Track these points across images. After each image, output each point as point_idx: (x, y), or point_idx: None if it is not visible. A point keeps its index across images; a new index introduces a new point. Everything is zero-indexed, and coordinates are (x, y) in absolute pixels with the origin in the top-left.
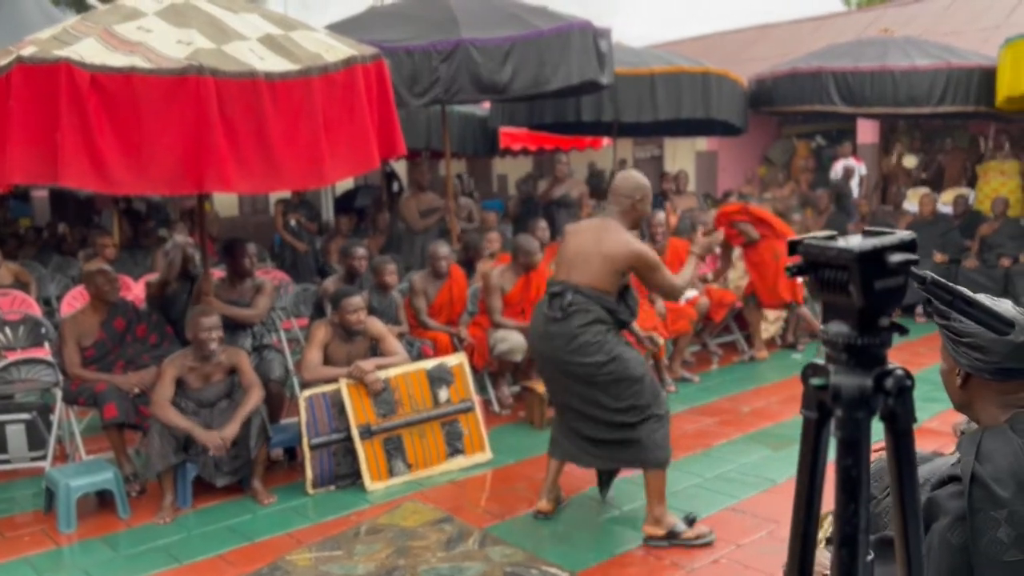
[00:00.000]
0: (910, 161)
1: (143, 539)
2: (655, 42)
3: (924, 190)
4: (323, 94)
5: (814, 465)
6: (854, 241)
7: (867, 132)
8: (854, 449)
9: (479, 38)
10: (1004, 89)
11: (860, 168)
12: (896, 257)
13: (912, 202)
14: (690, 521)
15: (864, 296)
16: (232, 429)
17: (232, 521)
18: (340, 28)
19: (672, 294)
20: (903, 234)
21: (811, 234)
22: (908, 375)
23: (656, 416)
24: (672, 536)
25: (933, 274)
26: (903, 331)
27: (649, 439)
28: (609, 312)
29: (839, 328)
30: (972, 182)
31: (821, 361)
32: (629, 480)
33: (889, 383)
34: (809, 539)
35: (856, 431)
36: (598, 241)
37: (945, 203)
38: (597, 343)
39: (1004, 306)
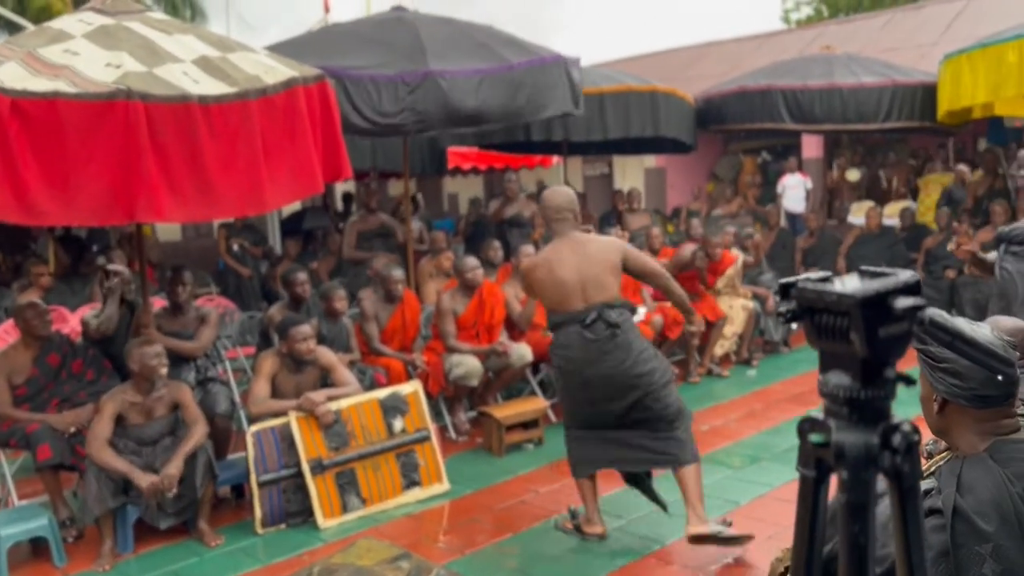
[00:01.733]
0: (854, 175)
1: None
2: (600, 60)
3: (869, 203)
4: (262, 117)
5: (813, 528)
6: (853, 284)
7: (812, 147)
8: (861, 514)
9: (448, 70)
10: (944, 104)
11: (806, 183)
12: (903, 302)
13: (857, 215)
14: (727, 524)
15: (868, 345)
16: (175, 468)
17: (177, 565)
18: (295, 47)
19: (663, 276)
20: (906, 275)
21: (805, 275)
22: (916, 429)
23: (687, 412)
24: (717, 535)
25: (932, 315)
26: (910, 382)
27: (686, 435)
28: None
29: (840, 379)
30: (914, 195)
31: (819, 415)
32: None
33: (896, 440)
34: None
35: (864, 494)
36: (588, 257)
37: (890, 216)
38: (647, 350)
39: (983, 332)
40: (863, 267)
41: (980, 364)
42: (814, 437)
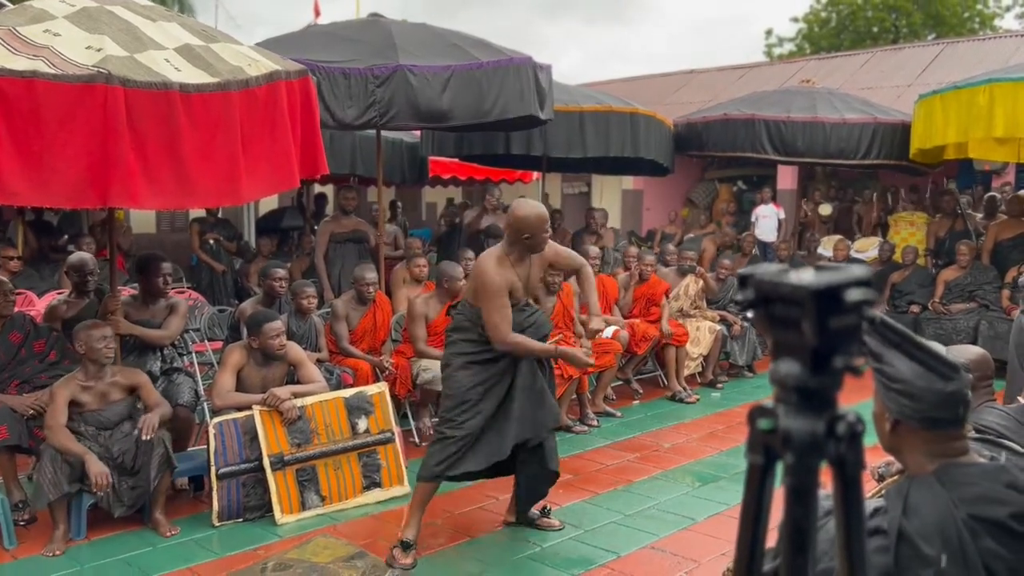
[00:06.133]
0: (826, 209)
1: (29, 573)
2: (584, 80)
3: (838, 237)
4: (243, 109)
5: (758, 514)
6: (808, 276)
7: (786, 179)
8: (804, 498)
9: (417, 64)
10: (916, 142)
11: (779, 213)
12: (854, 294)
13: (826, 248)
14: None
15: (818, 334)
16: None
17: (129, 554)
18: (275, 45)
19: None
20: (858, 270)
21: (763, 266)
22: (860, 420)
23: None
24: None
25: (882, 315)
26: (857, 372)
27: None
28: None
29: (790, 368)
30: (884, 231)
31: (768, 403)
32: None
33: (841, 428)
34: None
35: (808, 479)
36: None
37: (859, 251)
38: None
39: (938, 349)
40: (819, 263)
41: (926, 367)
42: (762, 423)
